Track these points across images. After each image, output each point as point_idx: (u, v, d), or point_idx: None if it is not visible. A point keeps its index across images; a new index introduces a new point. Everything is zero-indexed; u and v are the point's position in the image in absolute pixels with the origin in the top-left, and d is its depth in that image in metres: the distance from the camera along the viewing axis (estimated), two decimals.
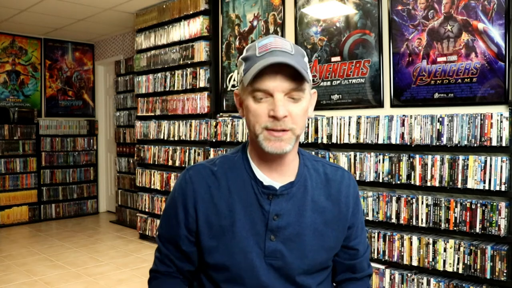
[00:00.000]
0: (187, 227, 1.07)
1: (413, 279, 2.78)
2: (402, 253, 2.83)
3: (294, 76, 0.95)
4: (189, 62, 4.52)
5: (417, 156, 2.78)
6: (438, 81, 2.86)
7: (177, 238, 1.08)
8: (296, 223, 1.04)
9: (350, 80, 3.33)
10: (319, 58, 3.52)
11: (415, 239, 2.77)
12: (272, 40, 0.99)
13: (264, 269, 1.03)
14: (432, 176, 2.72)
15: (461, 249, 2.60)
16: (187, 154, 4.46)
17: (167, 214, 1.12)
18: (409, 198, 2.82)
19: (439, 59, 2.85)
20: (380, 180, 2.95)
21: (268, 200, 1.04)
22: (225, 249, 1.03)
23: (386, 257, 2.90)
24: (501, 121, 2.48)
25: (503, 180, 2.47)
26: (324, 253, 1.07)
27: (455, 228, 2.63)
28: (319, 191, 1.08)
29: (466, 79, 2.74)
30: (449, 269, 2.63)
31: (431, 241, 2.71)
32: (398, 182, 2.86)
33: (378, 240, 2.94)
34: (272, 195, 1.04)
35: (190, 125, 4.46)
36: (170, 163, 4.65)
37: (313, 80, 3.55)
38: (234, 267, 1.03)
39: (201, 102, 4.40)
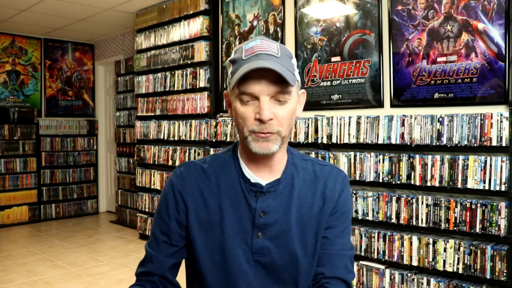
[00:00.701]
0: (177, 221, 1.08)
1: (413, 279, 2.78)
2: (402, 253, 2.83)
3: (279, 79, 0.96)
4: (189, 62, 4.52)
5: (417, 156, 2.78)
6: (438, 81, 2.86)
7: (169, 232, 1.08)
8: (283, 220, 1.05)
9: (350, 80, 3.33)
10: (319, 58, 3.52)
11: (415, 239, 2.77)
12: (259, 42, 1.00)
13: (252, 266, 1.04)
14: (432, 176, 2.72)
15: (461, 249, 2.60)
16: (187, 154, 4.46)
17: (159, 210, 1.13)
18: (409, 198, 2.82)
19: (439, 59, 2.85)
20: (380, 180, 2.95)
21: (255, 198, 1.05)
22: (213, 246, 1.05)
23: (386, 257, 2.90)
24: (501, 121, 2.49)
25: (503, 180, 2.47)
26: (312, 248, 1.07)
27: (455, 228, 2.63)
28: (307, 187, 1.09)
29: (466, 79, 2.74)
30: (449, 269, 2.63)
31: (431, 241, 2.71)
32: (398, 182, 2.86)
33: (378, 240, 2.94)
34: (259, 192, 1.05)
35: (190, 125, 4.46)
36: (170, 163, 4.65)
37: (313, 80, 3.55)
38: (222, 264, 1.04)
39: (201, 102, 4.40)
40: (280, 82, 0.96)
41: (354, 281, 3.05)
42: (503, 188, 2.47)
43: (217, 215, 1.05)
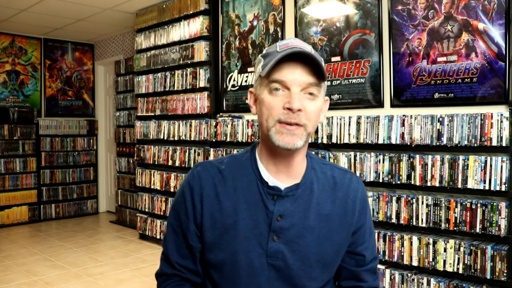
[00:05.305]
0: (195, 222, 1.07)
1: (413, 279, 2.78)
2: (402, 253, 2.83)
3: (312, 72, 0.98)
4: (189, 62, 4.52)
5: (417, 156, 2.78)
6: (438, 81, 2.86)
7: (187, 232, 1.08)
8: (300, 225, 1.04)
9: (350, 80, 3.32)
10: None
11: (415, 239, 2.77)
12: (293, 40, 1.02)
13: (265, 270, 1.03)
14: (432, 176, 2.71)
15: (461, 249, 2.60)
16: (187, 154, 4.45)
17: (176, 211, 1.11)
18: (409, 198, 2.82)
19: (439, 59, 2.84)
20: (380, 180, 2.95)
21: (273, 201, 1.04)
22: (226, 247, 1.03)
23: (386, 257, 2.90)
24: (501, 121, 2.48)
25: (503, 180, 2.47)
26: (327, 256, 1.07)
27: (455, 228, 2.63)
28: (326, 194, 1.08)
29: (466, 79, 2.74)
30: (449, 269, 2.63)
31: (431, 241, 2.71)
32: (398, 182, 2.86)
33: (378, 240, 2.94)
34: (277, 195, 1.04)
35: (190, 125, 4.46)
36: (170, 163, 4.65)
37: None
38: (234, 266, 1.03)
39: (201, 102, 4.40)
40: (313, 75, 0.98)
41: None
42: (503, 188, 2.47)
43: (232, 217, 1.04)
